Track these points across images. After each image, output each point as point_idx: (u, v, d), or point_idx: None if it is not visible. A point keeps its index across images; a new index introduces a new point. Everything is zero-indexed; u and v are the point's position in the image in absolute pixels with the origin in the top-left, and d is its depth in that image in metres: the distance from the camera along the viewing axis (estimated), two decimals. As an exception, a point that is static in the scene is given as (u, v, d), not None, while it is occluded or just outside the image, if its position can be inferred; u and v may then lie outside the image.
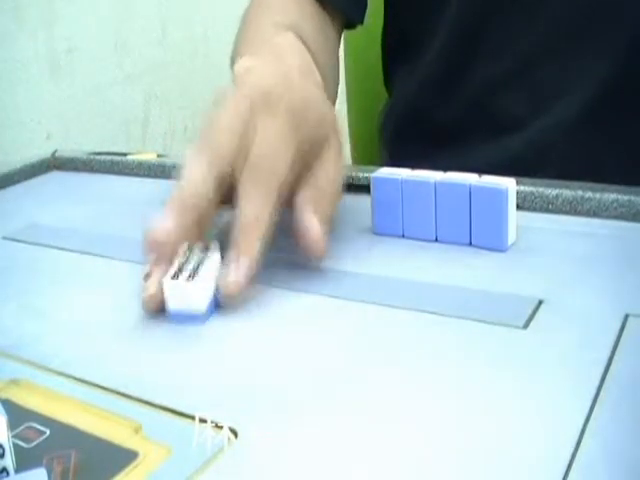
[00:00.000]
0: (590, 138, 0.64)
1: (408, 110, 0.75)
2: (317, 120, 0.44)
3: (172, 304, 0.38)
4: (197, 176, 0.40)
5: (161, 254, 0.39)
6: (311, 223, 0.41)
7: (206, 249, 0.39)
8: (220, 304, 0.39)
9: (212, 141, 0.41)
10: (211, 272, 0.39)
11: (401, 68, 0.77)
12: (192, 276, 0.38)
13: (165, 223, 0.39)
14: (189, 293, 0.38)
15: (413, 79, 0.74)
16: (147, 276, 0.39)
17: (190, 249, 0.39)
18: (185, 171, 0.41)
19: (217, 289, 0.39)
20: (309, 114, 0.43)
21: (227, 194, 0.41)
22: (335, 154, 0.45)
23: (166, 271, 0.38)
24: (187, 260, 0.39)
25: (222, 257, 0.40)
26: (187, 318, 0.38)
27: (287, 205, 0.42)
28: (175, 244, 0.39)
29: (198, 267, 0.38)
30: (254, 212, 0.40)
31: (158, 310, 0.39)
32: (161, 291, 0.38)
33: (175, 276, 0.38)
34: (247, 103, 0.42)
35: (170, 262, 0.39)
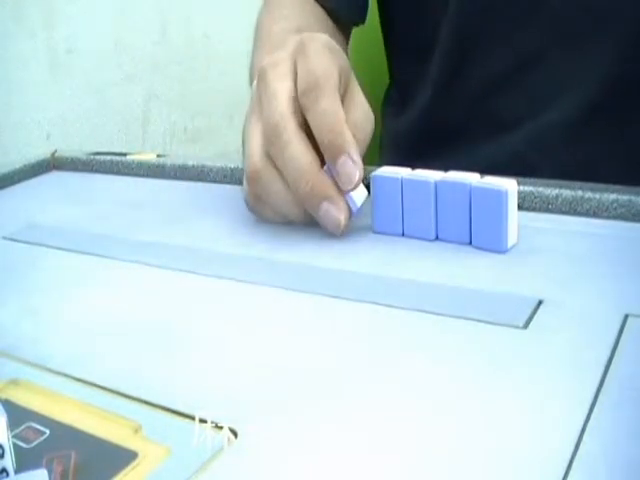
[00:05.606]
0: (589, 137, 0.64)
1: (409, 110, 0.75)
2: (345, 59, 0.48)
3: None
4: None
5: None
6: (354, 171, 0.44)
7: None
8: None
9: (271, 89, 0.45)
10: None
11: (402, 70, 0.77)
12: None
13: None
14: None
15: (414, 80, 0.74)
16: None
17: None
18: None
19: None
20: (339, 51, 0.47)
21: None
22: (361, 96, 0.48)
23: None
24: None
25: None
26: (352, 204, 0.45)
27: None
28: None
29: None
30: (333, 109, 0.43)
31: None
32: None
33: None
34: (285, 54, 0.47)
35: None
